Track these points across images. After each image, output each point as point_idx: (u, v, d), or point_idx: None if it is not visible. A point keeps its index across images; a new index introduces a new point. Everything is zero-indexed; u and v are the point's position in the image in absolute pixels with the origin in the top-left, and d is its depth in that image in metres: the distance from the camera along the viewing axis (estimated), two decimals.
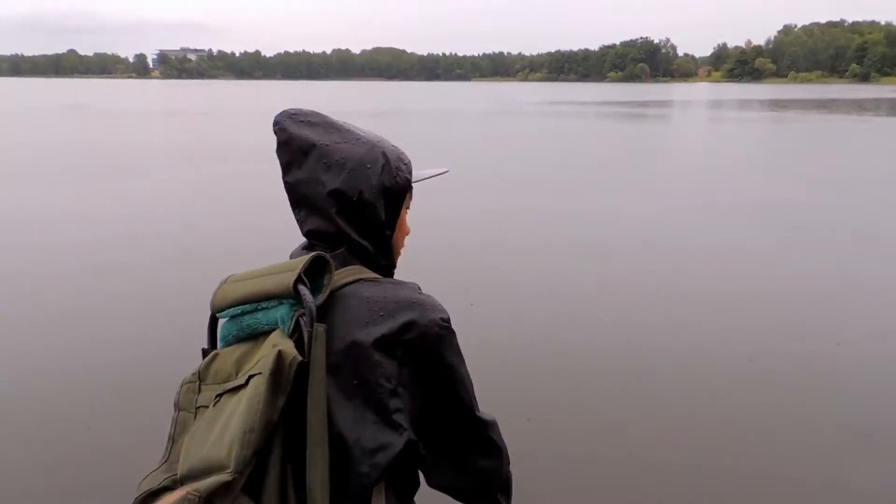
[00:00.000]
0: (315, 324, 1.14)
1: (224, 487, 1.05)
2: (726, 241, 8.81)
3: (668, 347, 5.29)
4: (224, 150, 19.32)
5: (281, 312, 1.17)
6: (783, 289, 6.81)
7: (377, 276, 1.29)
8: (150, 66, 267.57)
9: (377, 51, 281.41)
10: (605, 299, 6.48)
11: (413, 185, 1.37)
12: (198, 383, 1.18)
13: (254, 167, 14.62)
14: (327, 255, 1.21)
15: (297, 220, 1.31)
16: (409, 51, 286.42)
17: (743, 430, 4.05)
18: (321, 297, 1.18)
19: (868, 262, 7.86)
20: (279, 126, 1.30)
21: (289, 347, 1.12)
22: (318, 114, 1.33)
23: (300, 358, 1.12)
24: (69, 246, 8.39)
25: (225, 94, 66.82)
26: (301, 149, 1.28)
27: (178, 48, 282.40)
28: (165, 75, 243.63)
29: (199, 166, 15.87)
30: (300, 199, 1.30)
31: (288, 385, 1.10)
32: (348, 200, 1.26)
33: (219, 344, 1.25)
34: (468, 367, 1.31)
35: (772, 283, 6.99)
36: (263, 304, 1.19)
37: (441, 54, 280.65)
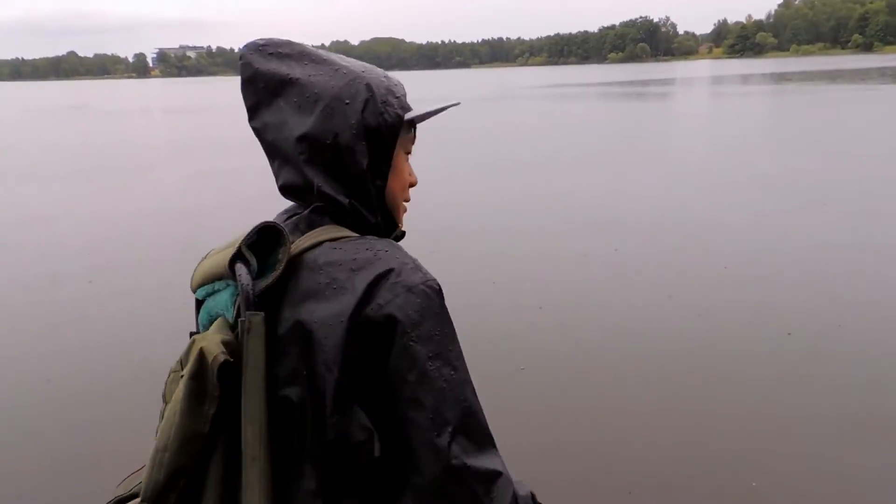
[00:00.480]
0: (248, 312, 0.93)
1: None
2: (738, 214, 8.70)
3: (676, 324, 5.21)
4: (226, 145, 19.25)
5: (225, 297, 1.01)
6: (796, 263, 6.71)
7: (347, 234, 1.04)
8: (150, 65, 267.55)
9: (376, 41, 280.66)
10: (614, 277, 6.40)
11: (415, 123, 1.14)
12: (180, 372, 1.01)
13: (258, 162, 14.51)
14: (278, 224, 0.99)
15: (274, 175, 1.10)
16: (407, 40, 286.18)
17: (757, 408, 3.98)
18: (273, 276, 0.96)
19: (882, 231, 7.75)
20: (244, 60, 1.09)
21: (212, 344, 0.93)
22: (291, 43, 1.11)
23: (223, 358, 0.92)
24: (71, 245, 8.35)
25: (225, 90, 66.84)
26: (269, 86, 1.07)
27: (177, 46, 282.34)
28: (165, 74, 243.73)
29: (201, 162, 15.81)
30: (271, 148, 1.09)
31: (215, 390, 0.92)
32: (320, 146, 1.04)
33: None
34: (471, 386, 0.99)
35: (786, 257, 6.89)
36: (217, 286, 1.03)
37: (440, 42, 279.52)
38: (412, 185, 1.18)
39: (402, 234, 1.18)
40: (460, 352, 0.99)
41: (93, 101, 57.23)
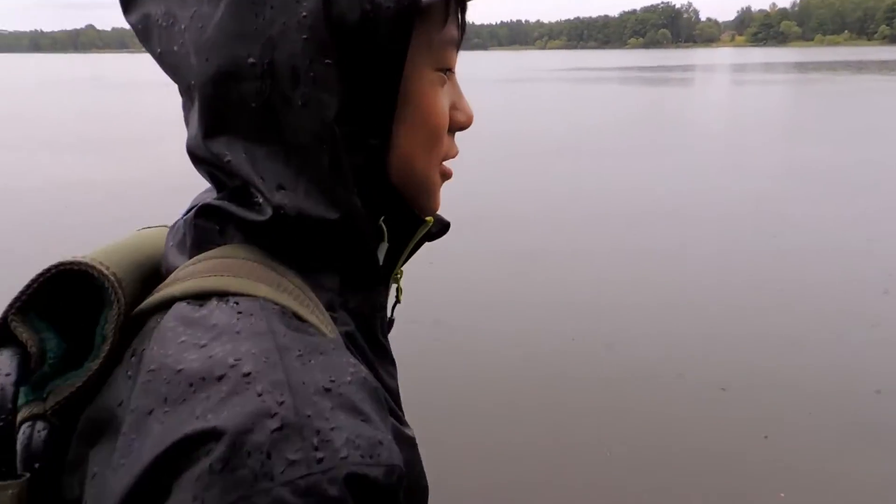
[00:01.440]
0: None
1: None
2: (758, 204, 8.36)
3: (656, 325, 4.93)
4: None
5: None
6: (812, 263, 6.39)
7: (230, 284, 0.51)
8: None
9: None
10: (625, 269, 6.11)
11: (464, 2, 0.60)
12: None
13: None
14: (88, 265, 0.53)
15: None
16: None
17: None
18: (87, 373, 0.52)
19: None
20: None
21: None
22: None
23: None
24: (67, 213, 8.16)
25: None
26: None
27: None
28: None
29: None
30: (167, 69, 0.59)
31: None
32: (236, 72, 0.52)
33: None
34: None
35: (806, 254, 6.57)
36: None
37: None
38: (461, 127, 0.64)
39: (443, 228, 0.68)
40: None
41: (109, 74, 57.15)
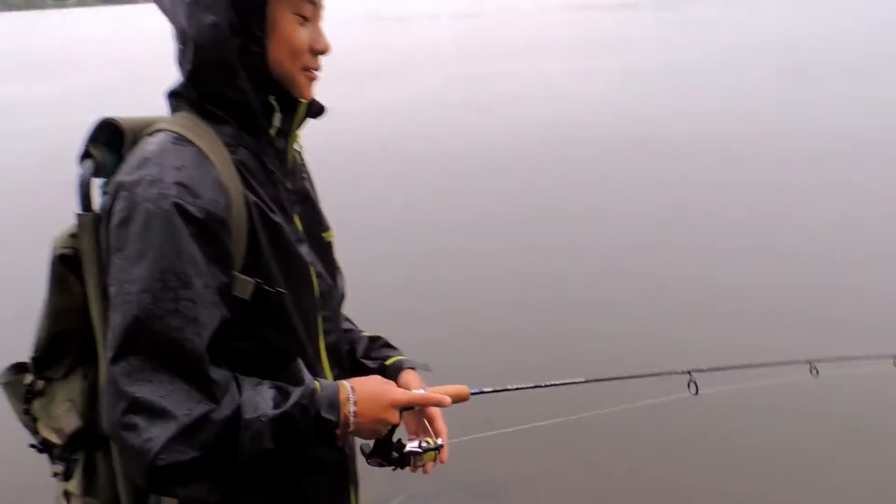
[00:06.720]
0: (78, 213, 1.01)
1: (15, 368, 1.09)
2: None
3: None
4: None
5: None
6: None
7: (171, 126, 1.02)
8: None
9: None
10: None
11: None
12: None
13: None
14: (116, 120, 1.03)
15: None
16: None
17: None
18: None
19: None
20: None
21: (60, 237, 1.04)
22: None
23: (58, 252, 1.02)
24: None
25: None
26: None
27: None
28: (83, 3, 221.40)
29: None
30: None
31: (65, 276, 1.02)
32: None
33: None
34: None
35: None
36: None
37: None
38: (319, 52, 1.07)
39: (320, 110, 1.12)
40: (149, 275, 0.92)
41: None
